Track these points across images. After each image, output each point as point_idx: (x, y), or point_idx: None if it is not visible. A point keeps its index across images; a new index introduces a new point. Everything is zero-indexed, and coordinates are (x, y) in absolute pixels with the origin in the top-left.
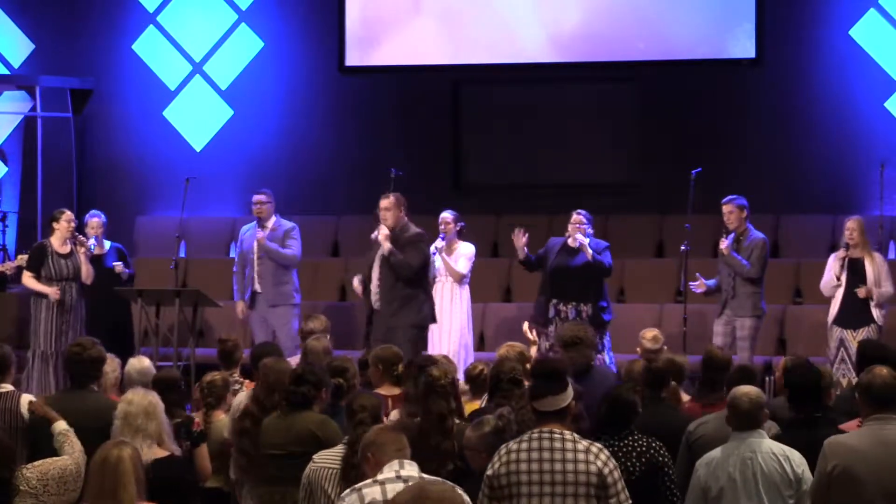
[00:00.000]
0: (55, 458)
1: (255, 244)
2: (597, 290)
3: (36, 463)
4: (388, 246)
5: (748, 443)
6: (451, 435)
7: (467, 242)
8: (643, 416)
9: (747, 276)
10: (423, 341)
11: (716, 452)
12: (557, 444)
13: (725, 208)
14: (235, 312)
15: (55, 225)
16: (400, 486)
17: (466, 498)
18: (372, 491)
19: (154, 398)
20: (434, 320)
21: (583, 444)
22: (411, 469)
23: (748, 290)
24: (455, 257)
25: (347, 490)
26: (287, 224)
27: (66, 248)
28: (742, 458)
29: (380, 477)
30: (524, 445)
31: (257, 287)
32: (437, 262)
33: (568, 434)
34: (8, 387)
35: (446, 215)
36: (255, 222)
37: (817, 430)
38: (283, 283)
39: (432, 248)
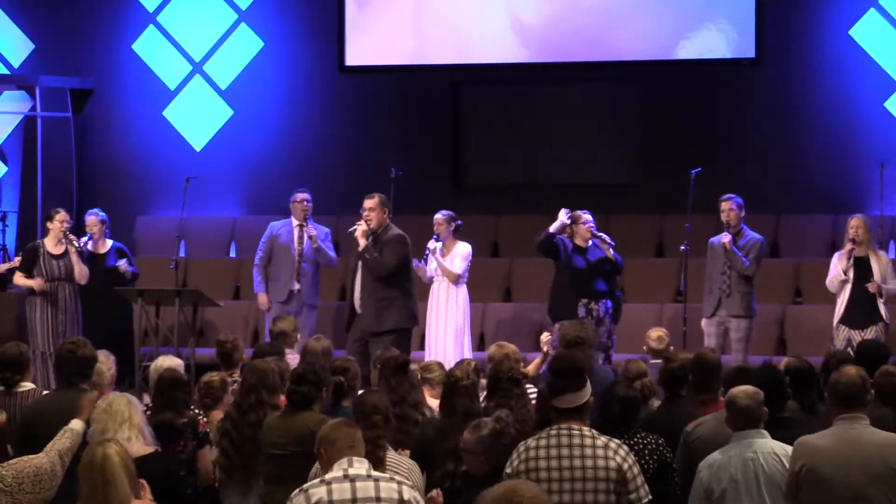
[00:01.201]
0: (31, 457)
1: (296, 243)
2: (615, 286)
3: (11, 461)
4: (363, 242)
5: (748, 443)
6: None
7: (464, 242)
8: (662, 414)
9: (745, 274)
10: (405, 344)
11: (718, 454)
12: (576, 441)
13: (725, 205)
14: (236, 311)
15: (49, 224)
16: (346, 485)
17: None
18: (318, 491)
19: (128, 401)
20: (416, 322)
21: (602, 439)
22: (360, 468)
23: (744, 289)
24: (450, 258)
25: (296, 490)
26: (322, 228)
27: (60, 249)
28: (743, 458)
29: (327, 476)
30: (543, 442)
31: (295, 286)
32: (433, 263)
33: (587, 430)
34: (28, 385)
35: (438, 216)
36: (288, 220)
37: (786, 431)
38: (317, 284)
39: (427, 249)
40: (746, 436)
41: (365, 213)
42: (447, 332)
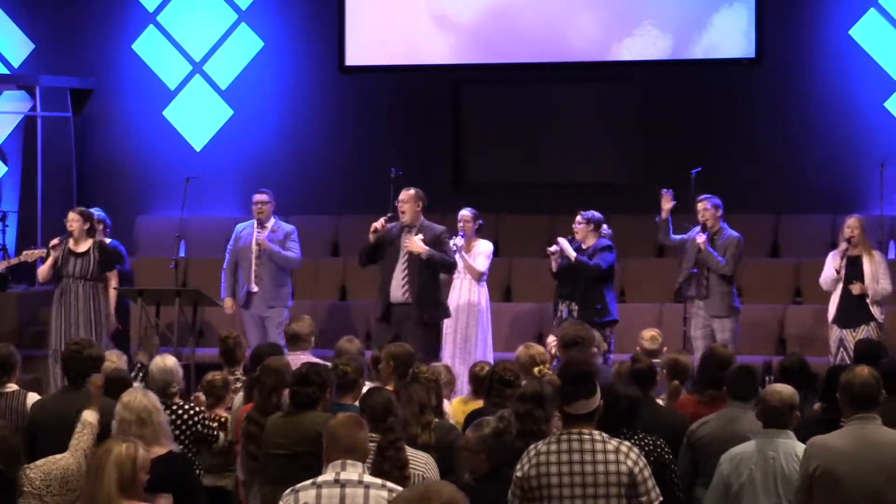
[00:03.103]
0: (57, 457)
1: (253, 245)
2: (591, 291)
3: (38, 462)
4: (417, 246)
5: (773, 442)
6: (429, 428)
7: (485, 240)
8: None
9: (721, 273)
10: (437, 337)
11: (741, 448)
12: (587, 446)
13: (701, 206)
14: (235, 312)
15: None
16: (336, 490)
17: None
18: (308, 494)
19: (149, 401)
20: (449, 314)
21: (612, 443)
22: (353, 472)
23: (723, 289)
24: (473, 255)
25: (288, 490)
26: (287, 227)
27: (80, 247)
28: (765, 456)
29: (319, 479)
30: (553, 447)
31: (254, 287)
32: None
33: (597, 435)
34: (13, 386)
35: (465, 213)
36: (252, 221)
37: None
38: (282, 286)
39: (451, 246)
40: (772, 434)
41: (399, 206)
42: (468, 329)
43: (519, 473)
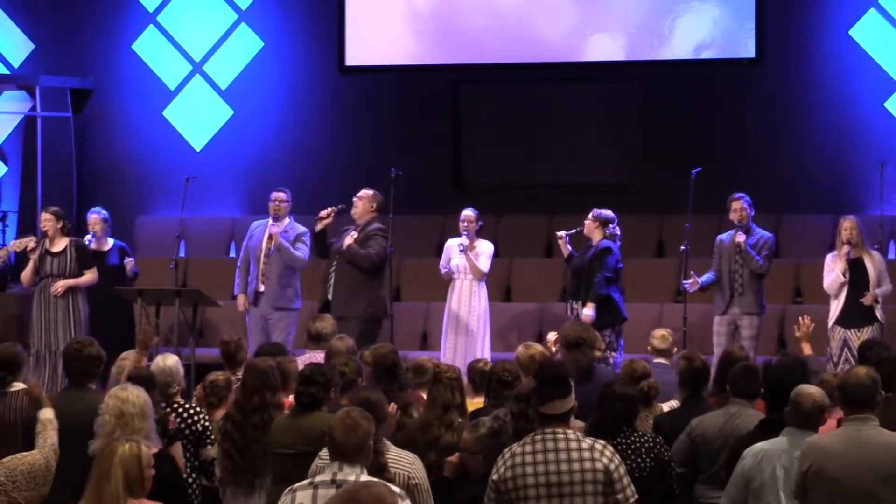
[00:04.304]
0: (24, 454)
1: (264, 243)
2: (593, 291)
3: (5, 460)
4: (347, 241)
5: (798, 443)
6: (452, 428)
7: (486, 241)
8: (683, 413)
9: (758, 272)
10: (372, 335)
11: (768, 444)
12: (562, 445)
13: (736, 204)
14: (236, 310)
15: None
16: (332, 491)
17: (400, 501)
18: (304, 495)
19: (147, 396)
20: (386, 314)
21: (587, 442)
22: (350, 472)
23: (756, 287)
24: (476, 255)
25: (287, 489)
26: (300, 228)
27: (56, 247)
28: (790, 456)
29: (316, 479)
30: (528, 448)
31: (261, 287)
32: (457, 259)
33: (571, 434)
34: (20, 385)
35: (469, 213)
36: (267, 219)
37: None
38: (288, 286)
39: (458, 245)
40: (800, 434)
41: (354, 201)
42: (468, 330)
43: (494, 476)
